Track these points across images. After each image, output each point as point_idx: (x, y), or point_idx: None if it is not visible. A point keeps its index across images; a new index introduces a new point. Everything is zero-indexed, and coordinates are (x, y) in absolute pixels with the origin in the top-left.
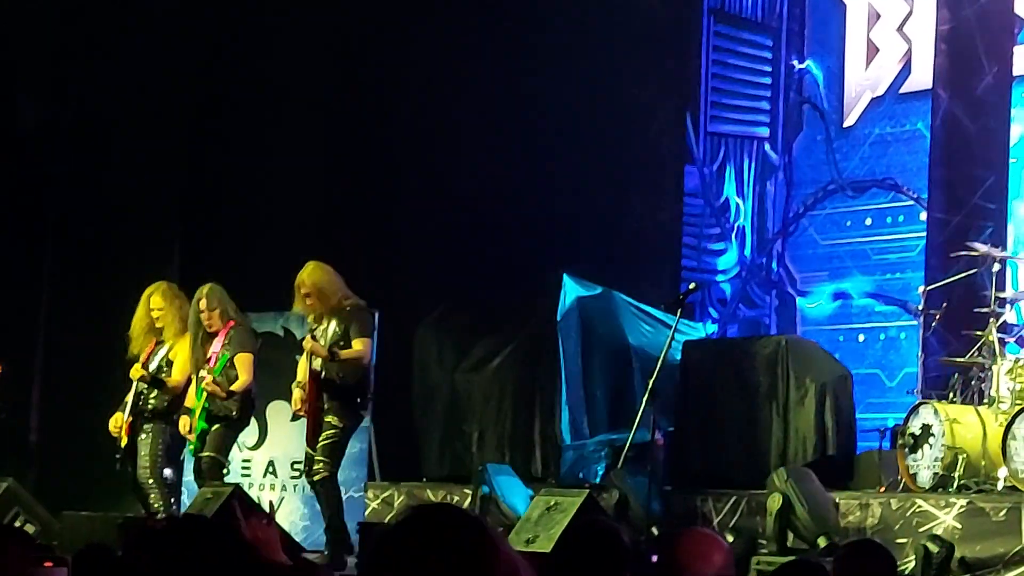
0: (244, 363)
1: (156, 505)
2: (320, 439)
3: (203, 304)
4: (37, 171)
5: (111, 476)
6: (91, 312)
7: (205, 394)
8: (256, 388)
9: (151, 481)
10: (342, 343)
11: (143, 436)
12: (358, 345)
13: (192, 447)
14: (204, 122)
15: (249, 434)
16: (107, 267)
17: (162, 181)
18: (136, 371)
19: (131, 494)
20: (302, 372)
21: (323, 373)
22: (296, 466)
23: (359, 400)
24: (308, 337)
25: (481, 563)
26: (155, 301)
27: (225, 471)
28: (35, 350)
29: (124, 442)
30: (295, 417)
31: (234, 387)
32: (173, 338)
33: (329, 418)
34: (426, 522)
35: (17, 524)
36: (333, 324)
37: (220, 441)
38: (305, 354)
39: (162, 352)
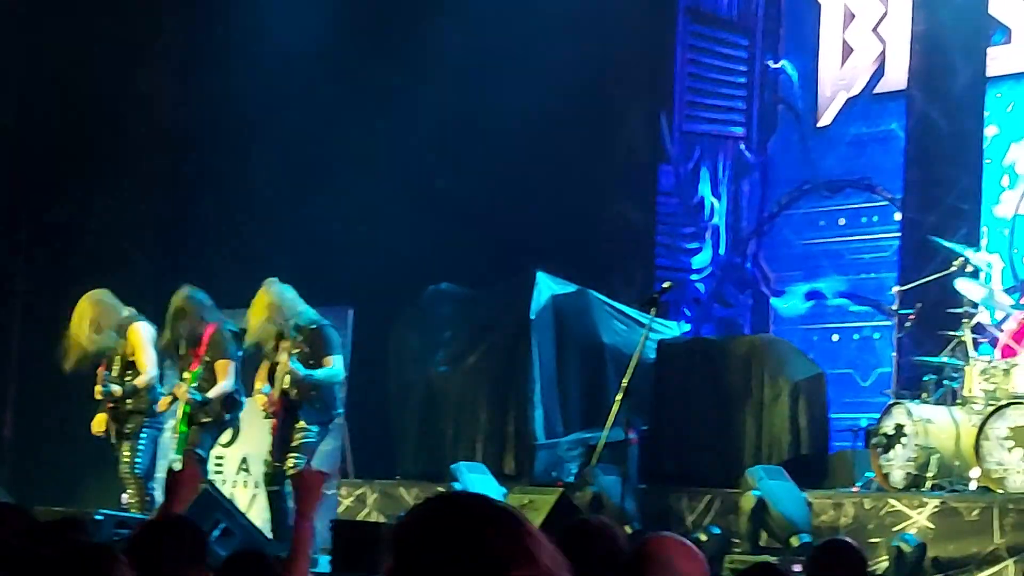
0: (224, 368)
1: (132, 500)
2: (293, 441)
3: (181, 313)
4: (14, 172)
5: (85, 472)
6: (67, 309)
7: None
8: (239, 390)
9: (129, 476)
10: (312, 361)
11: (127, 433)
12: (329, 363)
13: (176, 449)
14: (184, 124)
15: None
16: (83, 263)
17: (140, 181)
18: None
19: (105, 489)
20: (260, 379)
21: (294, 394)
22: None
23: (331, 411)
24: (286, 360)
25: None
26: (88, 343)
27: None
28: (10, 347)
29: (111, 436)
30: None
31: (211, 393)
32: (114, 343)
33: (300, 425)
34: (454, 510)
35: None
36: (300, 343)
37: (200, 437)
38: (279, 376)
39: (116, 359)
